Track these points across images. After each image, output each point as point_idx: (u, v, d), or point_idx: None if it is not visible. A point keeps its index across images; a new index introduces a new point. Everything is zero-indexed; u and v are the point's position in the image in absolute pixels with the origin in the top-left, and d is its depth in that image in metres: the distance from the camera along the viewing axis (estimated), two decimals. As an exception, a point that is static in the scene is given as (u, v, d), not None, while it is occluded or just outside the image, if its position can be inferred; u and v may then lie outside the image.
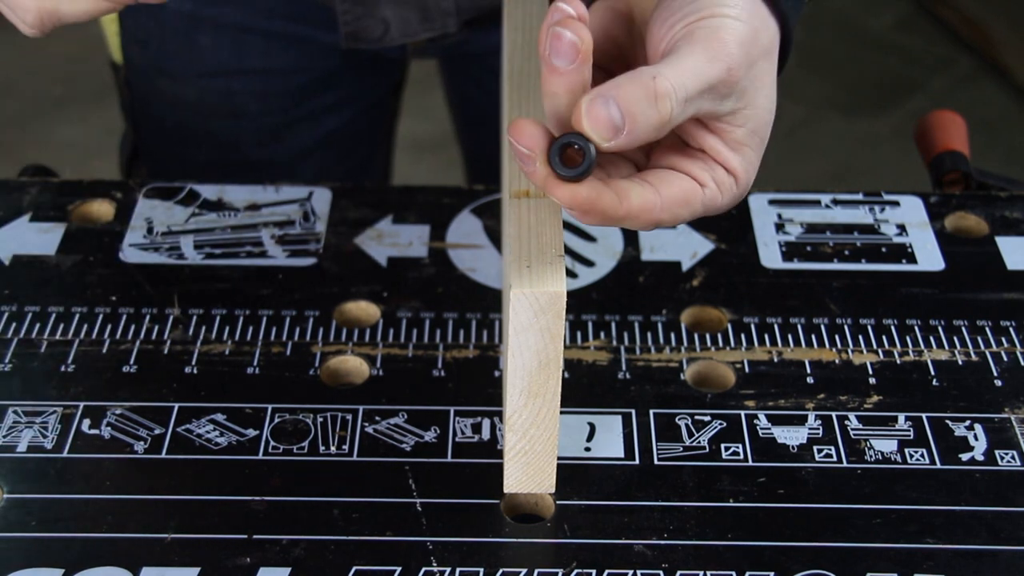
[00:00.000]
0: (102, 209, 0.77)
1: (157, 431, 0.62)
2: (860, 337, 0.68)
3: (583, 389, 0.65)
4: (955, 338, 0.68)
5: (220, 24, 0.87)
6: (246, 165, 0.93)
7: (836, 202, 0.78)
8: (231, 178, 0.78)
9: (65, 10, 0.58)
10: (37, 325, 0.68)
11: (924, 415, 0.64)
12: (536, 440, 0.57)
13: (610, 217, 0.50)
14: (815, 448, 0.62)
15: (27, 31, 0.59)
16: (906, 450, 0.62)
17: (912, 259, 0.74)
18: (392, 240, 0.74)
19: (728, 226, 0.76)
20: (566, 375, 0.65)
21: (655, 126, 0.48)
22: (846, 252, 0.74)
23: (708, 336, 0.68)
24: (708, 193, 0.52)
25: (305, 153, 0.95)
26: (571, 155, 0.49)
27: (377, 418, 0.63)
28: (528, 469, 0.58)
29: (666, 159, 0.53)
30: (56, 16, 0.58)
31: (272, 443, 0.62)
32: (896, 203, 0.78)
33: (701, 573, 0.56)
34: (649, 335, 0.68)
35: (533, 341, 0.53)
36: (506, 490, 0.59)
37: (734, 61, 0.50)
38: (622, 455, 0.62)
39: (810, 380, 0.66)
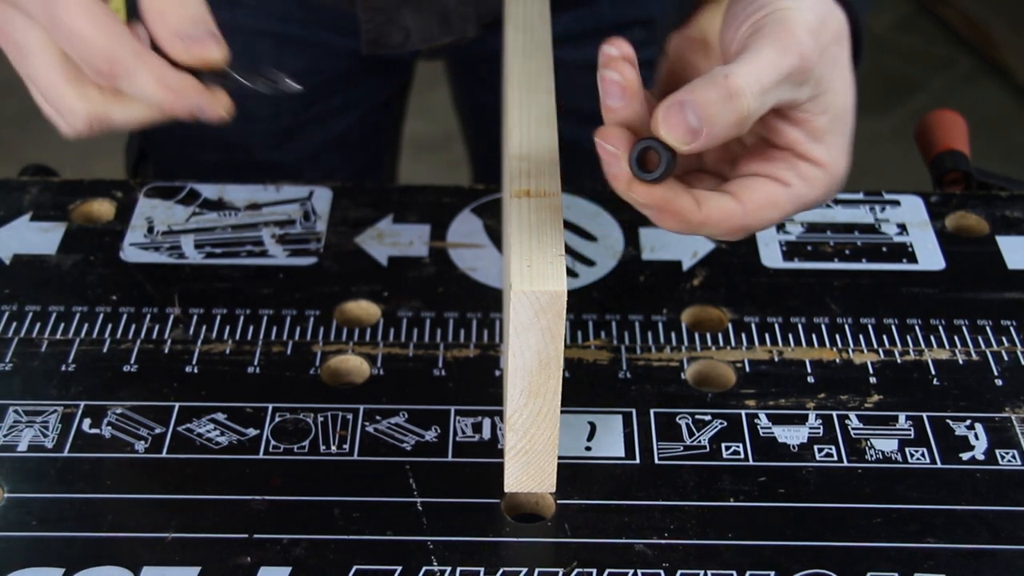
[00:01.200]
0: (103, 208, 0.77)
1: (158, 430, 0.62)
2: (861, 336, 0.68)
3: (584, 388, 0.65)
4: (956, 337, 0.68)
5: (233, 27, 0.87)
6: (254, 167, 0.93)
7: (837, 201, 0.78)
8: (239, 180, 0.78)
9: (117, 117, 0.57)
10: (38, 324, 0.68)
11: (925, 414, 0.64)
12: (537, 439, 0.57)
13: (688, 220, 0.51)
14: (816, 447, 0.62)
15: (69, 133, 0.58)
16: (907, 449, 0.62)
17: (913, 258, 0.74)
18: (393, 239, 0.74)
19: (728, 226, 0.75)
20: (567, 374, 0.65)
21: (733, 124, 0.49)
22: (847, 251, 0.74)
23: (709, 336, 0.68)
24: (795, 191, 0.52)
25: (313, 155, 0.95)
26: (650, 159, 0.50)
27: (378, 417, 0.63)
28: (529, 468, 0.58)
29: (748, 167, 0.54)
30: (107, 122, 0.57)
31: (273, 442, 0.62)
32: (897, 202, 0.78)
33: (701, 573, 0.56)
34: (650, 334, 0.68)
35: (534, 340, 0.53)
36: (507, 489, 0.59)
37: (806, 48, 0.50)
38: (623, 454, 0.62)
39: (811, 379, 0.66)
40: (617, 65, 0.50)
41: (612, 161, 0.50)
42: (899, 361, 0.67)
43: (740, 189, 0.52)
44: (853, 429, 0.63)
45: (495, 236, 0.75)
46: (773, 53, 0.50)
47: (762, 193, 0.52)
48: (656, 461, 0.61)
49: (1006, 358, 0.67)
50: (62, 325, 0.68)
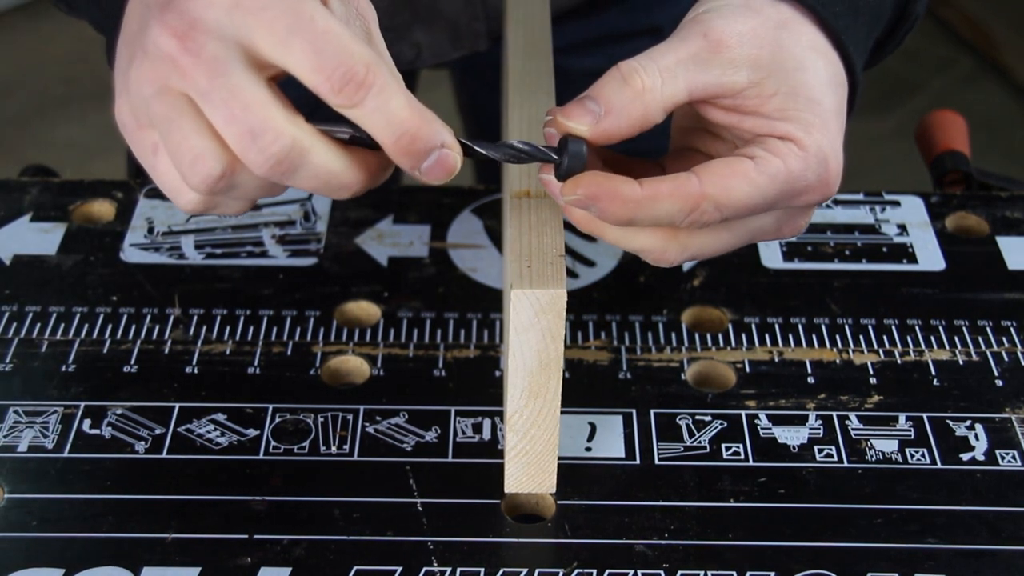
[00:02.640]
0: (103, 209, 0.77)
1: (158, 431, 0.62)
2: (861, 337, 0.68)
3: (584, 389, 0.65)
4: (956, 338, 0.68)
5: None
6: None
7: (837, 202, 0.78)
8: None
9: (221, 210, 0.53)
10: (38, 325, 0.68)
11: (925, 415, 0.64)
12: (537, 440, 0.57)
13: (632, 198, 0.49)
14: (816, 448, 0.62)
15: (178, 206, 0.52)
16: (907, 450, 0.62)
17: (913, 259, 0.74)
18: (393, 240, 0.74)
19: (729, 226, 0.75)
20: (567, 375, 0.65)
21: (634, 101, 0.50)
22: (847, 252, 0.74)
23: (709, 336, 0.68)
24: (764, 163, 0.50)
25: None
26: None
27: (378, 418, 0.63)
28: (529, 469, 0.58)
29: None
30: (211, 211, 0.53)
31: (273, 443, 0.62)
32: (897, 203, 0.78)
33: (702, 573, 0.56)
34: (650, 335, 0.68)
35: (534, 341, 0.53)
36: (507, 490, 0.59)
37: (715, 32, 0.50)
38: (623, 455, 0.61)
39: (811, 380, 0.66)
40: (554, 124, 0.51)
41: (548, 182, 0.52)
42: (899, 362, 0.67)
43: (698, 167, 0.51)
44: (853, 430, 0.63)
45: (495, 236, 0.75)
46: (674, 39, 0.51)
47: (721, 163, 0.50)
48: (656, 461, 0.61)
49: (1006, 359, 0.67)
50: (62, 325, 0.68)
